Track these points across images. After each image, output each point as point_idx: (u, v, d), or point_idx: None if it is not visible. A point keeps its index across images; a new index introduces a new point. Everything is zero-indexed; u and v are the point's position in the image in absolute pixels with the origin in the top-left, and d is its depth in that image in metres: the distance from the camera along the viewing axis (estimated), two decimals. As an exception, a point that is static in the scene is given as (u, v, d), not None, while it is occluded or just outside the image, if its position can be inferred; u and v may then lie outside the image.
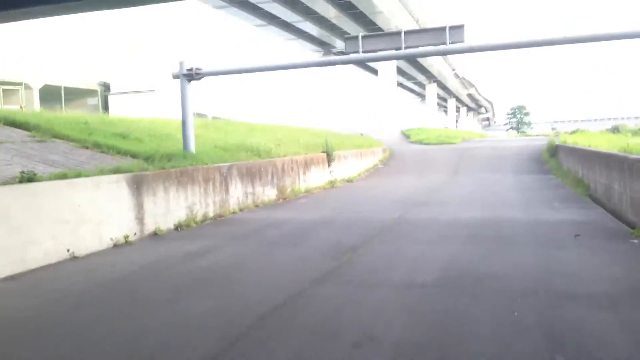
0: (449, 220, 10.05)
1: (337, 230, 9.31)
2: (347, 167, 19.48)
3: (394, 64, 53.15)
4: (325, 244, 8.09)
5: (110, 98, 23.32)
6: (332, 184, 17.20)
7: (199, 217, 10.42)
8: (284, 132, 20.33)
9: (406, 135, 39.39)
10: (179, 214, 9.86)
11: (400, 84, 75.18)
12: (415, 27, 45.28)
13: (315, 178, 16.46)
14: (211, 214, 10.89)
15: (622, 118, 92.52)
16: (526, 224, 9.43)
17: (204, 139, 14.44)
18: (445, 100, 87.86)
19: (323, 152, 17.37)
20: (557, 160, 21.26)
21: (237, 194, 12.04)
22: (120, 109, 20.96)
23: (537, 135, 43.64)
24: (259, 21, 43.79)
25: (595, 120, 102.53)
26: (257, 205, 12.76)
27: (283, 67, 11.98)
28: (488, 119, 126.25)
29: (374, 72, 56.99)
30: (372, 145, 23.71)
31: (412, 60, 61.18)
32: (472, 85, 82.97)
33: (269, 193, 13.54)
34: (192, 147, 11.68)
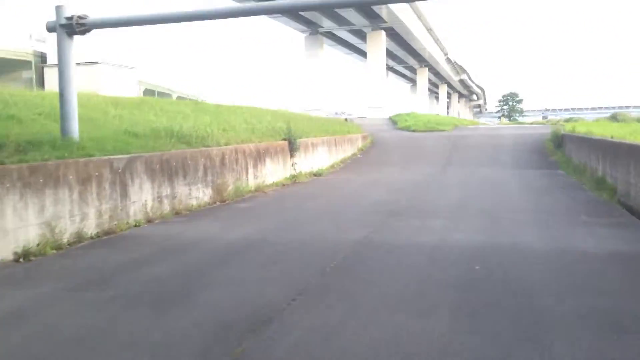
0: (434, 248, 6.52)
1: (254, 272, 5.66)
2: (317, 157, 15.95)
3: (383, 46, 49.37)
4: (211, 311, 4.51)
5: (47, 70, 19.54)
6: (294, 179, 13.68)
7: (67, 236, 6.86)
8: (249, 115, 16.68)
9: (394, 121, 35.71)
10: (24, 235, 6.30)
11: (391, 68, 71.37)
12: None
13: (272, 172, 12.92)
14: (93, 231, 7.32)
15: (618, 107, 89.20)
16: (555, 263, 5.84)
17: (123, 122, 10.83)
18: (436, 86, 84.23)
19: (284, 139, 13.79)
20: (563, 153, 17.79)
21: (145, 197, 8.46)
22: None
23: (532, 124, 40.12)
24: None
25: (589, 109, 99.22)
26: (178, 213, 9.18)
27: (189, 17, 8.26)
28: (479, 106, 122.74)
29: (364, 55, 53.04)
30: (350, 132, 20.12)
31: (401, 42, 57.36)
32: (464, 71, 79.29)
33: (199, 194, 9.96)
34: (75, 131, 8.03)
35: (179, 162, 9.42)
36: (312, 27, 49.41)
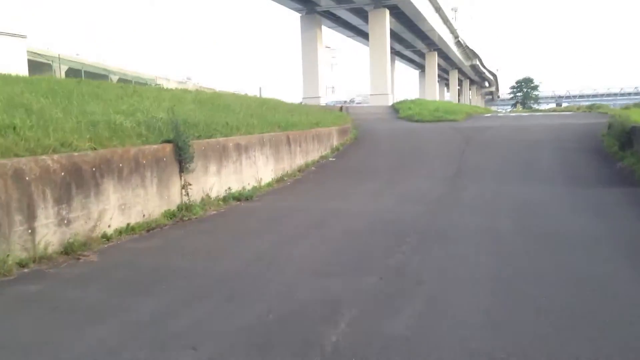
0: None
1: None
2: (249, 168, 9.39)
3: (386, 26, 42.25)
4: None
5: None
6: (181, 214, 7.22)
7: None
8: (154, 102, 10.22)
9: (396, 110, 28.93)
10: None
11: (398, 53, 64.04)
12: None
13: (124, 205, 6.45)
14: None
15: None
16: None
17: None
18: (447, 72, 76.64)
19: (166, 141, 7.31)
20: (637, 155, 11.03)
21: None
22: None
23: (560, 111, 32.77)
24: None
25: (610, 95, 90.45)
26: None
27: None
28: (491, 93, 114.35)
29: (368, 37, 45.96)
30: (320, 124, 13.43)
31: (409, 23, 50.10)
32: (475, 56, 71.58)
33: None
34: None
35: None
36: (308, 6, 42.46)
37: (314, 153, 12.58)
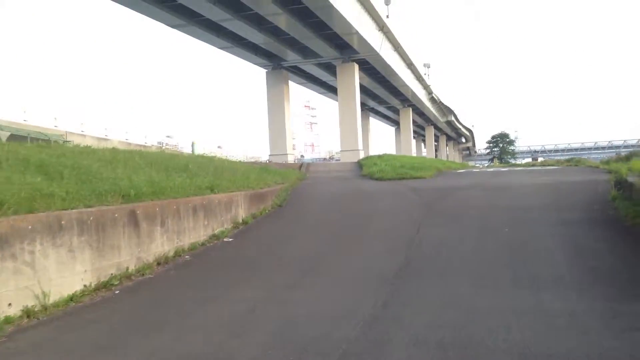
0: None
1: None
2: (16, 275, 4.95)
3: (355, 80, 38.98)
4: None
5: None
6: None
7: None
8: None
9: (360, 166, 24.82)
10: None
11: (372, 109, 61.10)
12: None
13: None
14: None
15: (622, 145, 78.32)
16: None
17: None
18: (422, 128, 73.94)
19: None
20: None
21: None
22: None
23: (546, 165, 28.82)
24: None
25: (585, 149, 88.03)
26: None
27: None
28: (468, 148, 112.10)
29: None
30: (230, 187, 8.89)
31: (381, 79, 47.20)
32: (450, 112, 69.04)
33: None
34: None
35: None
36: (274, 62, 39.28)
37: (195, 232, 8.03)
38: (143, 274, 6.51)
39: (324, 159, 60.07)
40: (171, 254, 7.30)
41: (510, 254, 6.58)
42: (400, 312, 4.68)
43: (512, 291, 5.16)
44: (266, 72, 40.01)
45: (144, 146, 26.85)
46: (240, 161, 20.33)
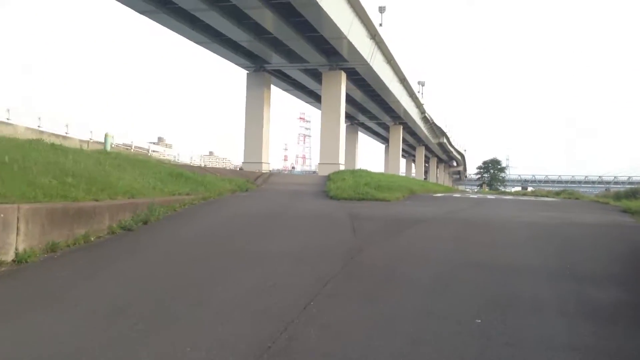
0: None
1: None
2: None
3: (341, 89, 35.04)
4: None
5: None
6: None
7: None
8: None
9: (328, 180, 20.67)
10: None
11: (362, 124, 57.15)
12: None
13: None
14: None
15: (607, 182, 74.62)
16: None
17: None
18: (413, 148, 70.04)
19: None
20: None
21: None
22: None
23: (540, 196, 24.65)
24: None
25: (576, 182, 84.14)
26: None
27: None
28: (459, 172, 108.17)
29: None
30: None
31: (372, 94, 43.31)
32: (443, 134, 65.20)
33: None
34: None
35: None
36: (256, 63, 35.37)
37: None
38: None
39: (315, 171, 56.04)
40: None
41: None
42: None
43: None
44: (247, 73, 36.15)
45: (64, 137, 22.73)
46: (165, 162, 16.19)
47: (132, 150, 24.54)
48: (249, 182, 17.25)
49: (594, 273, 5.01)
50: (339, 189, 14.74)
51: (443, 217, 9.50)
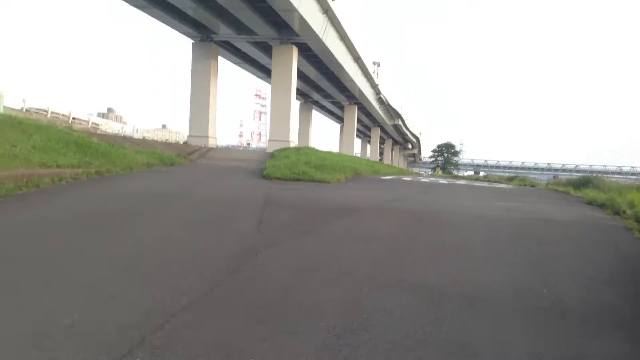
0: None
1: None
2: None
3: (292, 64, 32.72)
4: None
5: None
6: None
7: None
8: None
9: (271, 157, 18.55)
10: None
11: (316, 102, 54.97)
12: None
13: None
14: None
15: (555, 169, 76.09)
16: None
17: None
18: (369, 129, 68.65)
19: None
20: None
21: None
22: None
23: (493, 182, 23.51)
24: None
25: (527, 169, 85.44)
26: None
27: None
28: (414, 155, 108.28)
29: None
30: None
31: (327, 73, 41.11)
32: (398, 116, 64.03)
33: None
34: None
35: None
36: (203, 32, 32.31)
37: None
38: None
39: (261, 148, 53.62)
40: None
41: None
42: None
43: None
44: (192, 43, 33.05)
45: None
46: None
47: (48, 116, 21.37)
48: (179, 156, 15.05)
49: (584, 303, 3.30)
50: (274, 167, 12.81)
51: (383, 206, 7.75)
